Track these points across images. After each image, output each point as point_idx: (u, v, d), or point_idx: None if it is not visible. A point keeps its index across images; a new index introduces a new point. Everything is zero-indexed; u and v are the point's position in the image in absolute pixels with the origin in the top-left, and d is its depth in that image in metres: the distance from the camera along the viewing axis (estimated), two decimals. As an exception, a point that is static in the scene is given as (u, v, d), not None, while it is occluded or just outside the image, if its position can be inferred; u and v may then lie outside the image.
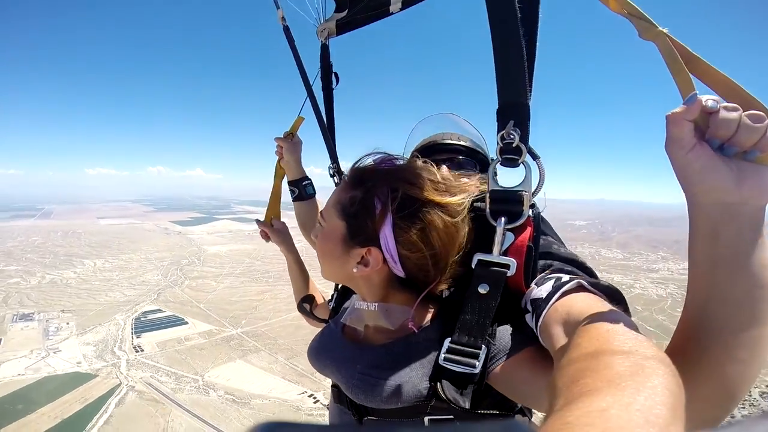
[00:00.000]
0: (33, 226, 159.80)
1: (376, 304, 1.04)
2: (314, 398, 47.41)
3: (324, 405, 45.50)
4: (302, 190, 1.75)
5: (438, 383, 0.85)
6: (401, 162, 1.03)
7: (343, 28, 1.58)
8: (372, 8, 1.49)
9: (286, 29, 1.56)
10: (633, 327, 0.57)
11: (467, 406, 0.82)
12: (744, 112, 0.58)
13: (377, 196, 0.94)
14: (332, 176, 1.61)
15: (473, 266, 0.88)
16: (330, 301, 1.46)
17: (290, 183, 1.78)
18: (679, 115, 0.60)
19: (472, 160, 1.38)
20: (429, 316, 1.01)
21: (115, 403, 45.06)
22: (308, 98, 1.55)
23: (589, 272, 0.94)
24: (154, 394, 47.55)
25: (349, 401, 1.05)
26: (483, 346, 0.85)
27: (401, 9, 1.45)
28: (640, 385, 0.41)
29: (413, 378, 0.91)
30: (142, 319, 69.45)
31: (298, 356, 58.42)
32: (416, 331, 0.97)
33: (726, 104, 0.59)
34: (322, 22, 1.60)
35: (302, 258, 1.86)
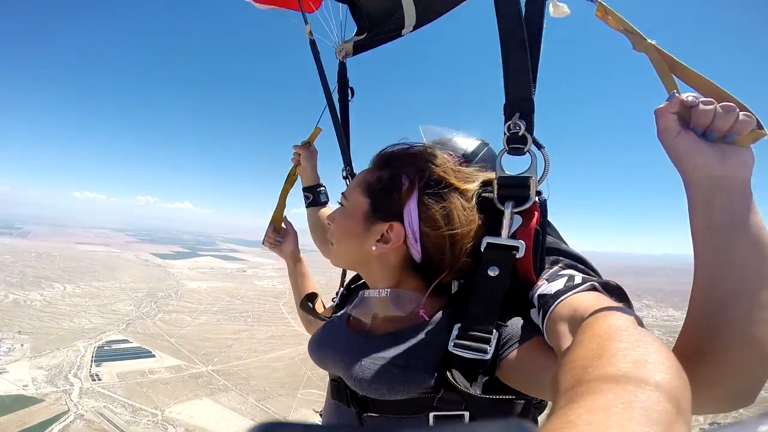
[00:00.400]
0: (7, 244, 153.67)
1: (389, 290, 1.03)
2: (285, 443, 42.73)
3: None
4: (317, 196, 1.82)
5: (448, 372, 0.84)
6: (426, 148, 1.06)
7: (359, 48, 1.73)
8: (388, 32, 1.66)
9: (312, 43, 1.68)
10: (638, 323, 0.58)
11: (479, 392, 0.81)
12: (718, 104, 0.69)
13: (405, 174, 0.98)
14: (345, 178, 1.67)
15: (482, 250, 0.89)
16: (334, 297, 1.43)
17: (305, 189, 1.84)
18: (664, 108, 0.72)
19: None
20: (439, 307, 1.00)
21: (58, 430, 40.73)
22: (327, 107, 1.65)
23: (596, 273, 0.94)
24: (105, 425, 43.17)
25: (348, 396, 1.02)
26: (494, 330, 0.85)
27: (411, 32, 1.64)
28: (643, 382, 0.40)
29: (422, 366, 0.89)
30: (105, 348, 65.06)
31: (270, 398, 54.74)
32: (427, 319, 0.96)
33: (703, 99, 0.70)
34: (341, 43, 1.74)
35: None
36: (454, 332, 0.87)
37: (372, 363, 0.92)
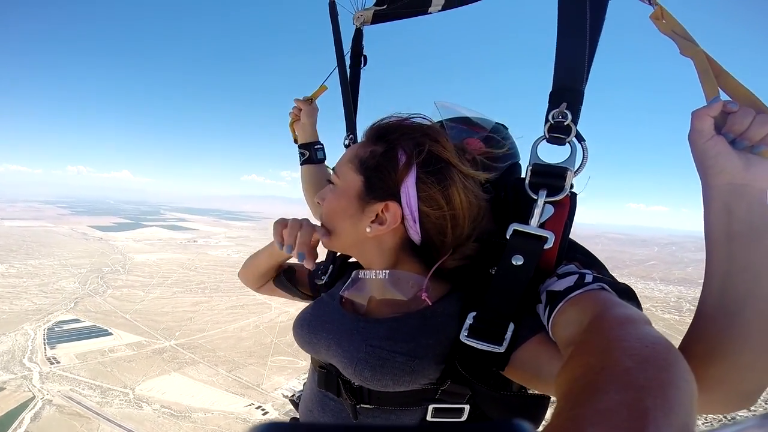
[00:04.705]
0: None
1: (387, 271, 0.96)
2: (263, 410, 45.35)
3: (279, 416, 43.50)
4: (313, 153, 1.74)
5: (457, 363, 0.82)
6: (424, 121, 0.98)
7: (378, 18, 1.66)
8: (411, 6, 1.58)
9: (332, 4, 1.63)
10: (645, 323, 0.57)
11: (487, 386, 0.80)
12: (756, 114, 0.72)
13: (402, 149, 0.91)
14: (347, 147, 1.51)
15: (508, 236, 0.84)
16: (322, 275, 1.26)
17: (301, 146, 1.76)
18: (703, 110, 0.73)
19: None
20: (441, 292, 0.95)
21: (30, 418, 40.04)
22: (337, 68, 1.59)
23: (608, 273, 0.90)
24: (77, 408, 42.86)
25: (340, 385, 0.94)
26: (511, 323, 0.81)
27: (440, 10, 1.54)
28: (650, 382, 0.40)
29: (430, 356, 0.85)
30: (56, 329, 62.75)
31: (241, 368, 55.99)
32: (430, 303, 0.91)
33: (743, 107, 0.72)
34: (360, 9, 1.67)
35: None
36: (468, 321, 0.83)
37: (374, 351, 0.86)
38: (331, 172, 1.03)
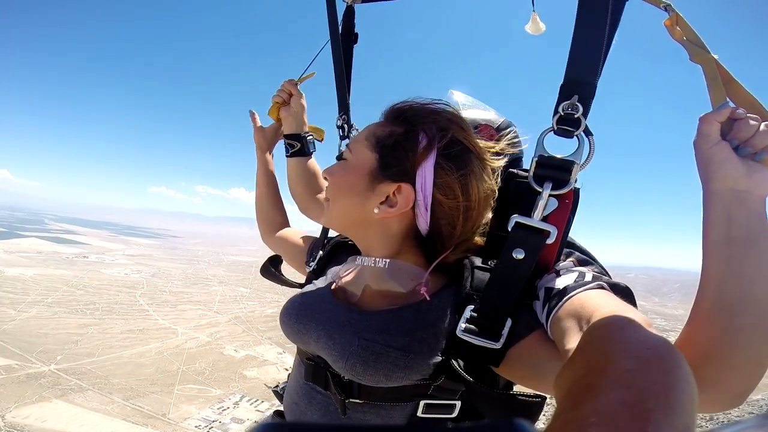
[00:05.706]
0: None
1: (388, 260, 0.93)
2: (171, 439, 40.12)
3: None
4: (306, 144, 1.53)
5: (453, 359, 0.79)
6: (449, 107, 0.96)
7: None
8: None
9: None
10: (647, 325, 0.57)
11: (482, 382, 0.78)
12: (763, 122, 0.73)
13: (424, 131, 0.88)
14: (339, 127, 1.44)
15: (509, 229, 0.81)
16: (311, 260, 1.26)
17: (290, 136, 1.53)
18: (712, 115, 0.73)
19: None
20: (439, 285, 0.93)
21: None
22: (331, 45, 1.44)
23: (605, 271, 0.89)
24: None
25: (328, 378, 0.90)
26: (508, 319, 0.79)
27: None
28: (652, 384, 0.39)
29: (425, 350, 0.82)
30: None
31: (141, 396, 50.35)
32: (428, 298, 0.88)
33: (750, 114, 0.73)
34: None
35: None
36: (466, 315, 0.81)
37: (367, 344, 0.82)
38: (345, 148, 1.01)
